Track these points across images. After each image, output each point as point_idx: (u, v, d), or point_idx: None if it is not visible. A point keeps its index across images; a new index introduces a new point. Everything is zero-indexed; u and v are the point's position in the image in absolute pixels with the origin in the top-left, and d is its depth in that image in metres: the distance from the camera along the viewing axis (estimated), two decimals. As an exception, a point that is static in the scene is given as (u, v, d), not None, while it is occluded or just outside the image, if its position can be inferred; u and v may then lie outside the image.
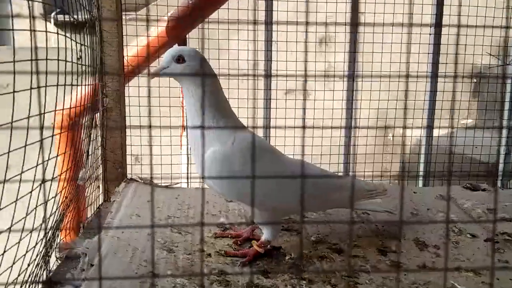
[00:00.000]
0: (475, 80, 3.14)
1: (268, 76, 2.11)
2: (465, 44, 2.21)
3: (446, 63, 2.25)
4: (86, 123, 1.60)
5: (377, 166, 2.40)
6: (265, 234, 1.40)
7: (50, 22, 3.90)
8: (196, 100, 1.27)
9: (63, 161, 1.41)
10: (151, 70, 1.33)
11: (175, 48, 1.31)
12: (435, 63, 2.15)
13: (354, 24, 2.08)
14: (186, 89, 1.29)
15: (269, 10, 2.04)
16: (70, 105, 1.61)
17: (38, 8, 3.89)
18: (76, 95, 1.75)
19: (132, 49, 1.94)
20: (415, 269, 1.37)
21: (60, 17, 3.85)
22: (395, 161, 2.62)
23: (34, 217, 1.03)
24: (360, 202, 1.50)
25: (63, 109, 1.72)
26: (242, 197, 1.35)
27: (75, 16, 1.37)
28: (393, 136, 3.23)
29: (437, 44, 2.15)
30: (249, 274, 1.29)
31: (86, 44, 1.38)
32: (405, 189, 2.02)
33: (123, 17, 1.76)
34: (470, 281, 1.32)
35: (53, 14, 3.91)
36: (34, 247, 1.03)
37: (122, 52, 1.75)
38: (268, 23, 1.98)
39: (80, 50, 1.23)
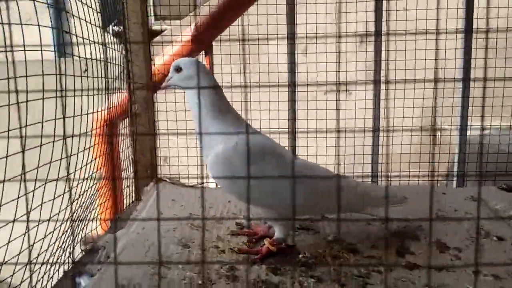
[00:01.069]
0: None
1: (293, 85, 2.13)
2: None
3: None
4: (121, 128, 1.74)
5: (421, 166, 2.33)
6: (276, 232, 1.43)
7: (109, 33, 4.18)
8: (196, 105, 1.35)
9: (100, 162, 1.55)
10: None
11: (176, 61, 1.42)
12: (466, 68, 2.06)
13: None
14: (187, 96, 1.38)
15: (292, 24, 2.07)
16: (108, 110, 1.77)
17: (97, 21, 4.19)
18: (112, 101, 1.90)
19: (161, 58, 2.06)
20: (432, 271, 1.34)
21: (117, 28, 4.11)
22: (441, 161, 2.52)
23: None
24: (374, 208, 1.46)
25: (100, 115, 1.88)
26: (247, 200, 1.38)
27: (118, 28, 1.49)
28: (440, 135, 3.10)
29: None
30: (258, 271, 1.33)
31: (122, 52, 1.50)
32: (434, 190, 1.96)
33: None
34: (489, 285, 1.26)
35: (111, 25, 4.19)
36: (60, 236, 1.15)
37: (149, 62, 1.87)
38: (291, 37, 2.01)
39: (86, 63, 1.35)
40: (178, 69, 1.38)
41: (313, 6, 2.08)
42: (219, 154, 1.32)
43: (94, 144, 1.66)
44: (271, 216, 1.43)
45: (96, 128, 2.21)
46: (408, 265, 1.38)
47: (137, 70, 1.82)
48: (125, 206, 1.78)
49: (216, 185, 1.93)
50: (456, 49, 2.13)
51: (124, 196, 1.78)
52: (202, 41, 2.03)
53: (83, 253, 1.32)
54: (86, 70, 1.29)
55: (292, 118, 2.14)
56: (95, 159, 1.74)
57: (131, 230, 1.47)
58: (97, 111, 1.86)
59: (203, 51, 2.12)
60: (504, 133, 2.20)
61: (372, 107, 2.24)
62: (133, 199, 1.87)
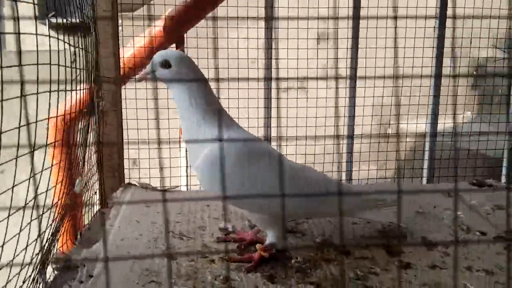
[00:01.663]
0: (475, 73, 3.11)
1: (268, 79, 2.06)
2: (462, 37, 2.18)
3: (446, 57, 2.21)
4: (82, 128, 1.55)
5: (379, 163, 2.37)
6: (269, 237, 1.36)
7: (45, 25, 3.84)
8: (186, 105, 1.24)
9: (59, 169, 1.36)
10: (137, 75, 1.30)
11: (160, 53, 1.27)
12: (440, 57, 2.10)
13: (356, 18, 2.04)
14: (174, 94, 1.27)
15: (269, 7, 1.99)
16: (65, 111, 1.57)
17: (31, 11, 3.83)
18: (71, 99, 1.70)
19: (129, 51, 1.89)
20: (426, 271, 1.33)
21: (55, 20, 3.78)
22: (397, 157, 2.58)
23: (29, 229, 0.98)
24: (363, 212, 1.43)
25: (57, 116, 1.67)
26: (236, 202, 1.32)
27: (71, 19, 1.32)
28: (397, 133, 3.19)
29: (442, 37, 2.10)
30: (254, 280, 1.25)
31: (80, 46, 1.33)
32: (410, 186, 1.98)
33: (119, 18, 1.70)
34: (483, 281, 1.28)
35: (48, 16, 3.84)
36: (30, 262, 0.98)
37: (118, 54, 1.70)
38: (269, 18, 1.93)
39: (75, 53, 1.17)
40: (166, 64, 1.24)
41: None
42: (208, 155, 1.22)
43: (53, 155, 1.48)
44: (263, 220, 1.35)
45: (56, 139, 2.00)
46: (402, 264, 1.37)
47: (104, 62, 1.64)
48: (92, 215, 1.59)
49: (193, 187, 1.81)
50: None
51: (90, 205, 1.60)
52: (174, 32, 1.89)
53: (56, 272, 1.15)
54: (75, 60, 1.12)
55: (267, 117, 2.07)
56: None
57: (108, 243, 1.31)
58: (54, 116, 1.67)
59: (175, 44, 1.98)
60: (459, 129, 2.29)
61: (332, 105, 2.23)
62: (99, 207, 1.69)
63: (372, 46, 2.14)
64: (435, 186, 2.04)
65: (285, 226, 1.45)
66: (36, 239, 0.93)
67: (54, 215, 1.11)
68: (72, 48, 1.24)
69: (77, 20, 1.41)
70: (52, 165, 1.23)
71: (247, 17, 1.85)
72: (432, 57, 2.09)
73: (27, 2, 0.98)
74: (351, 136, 2.21)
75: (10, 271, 0.91)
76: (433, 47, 2.17)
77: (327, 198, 1.34)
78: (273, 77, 2.09)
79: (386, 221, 1.46)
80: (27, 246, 0.96)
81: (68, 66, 1.18)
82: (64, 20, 1.36)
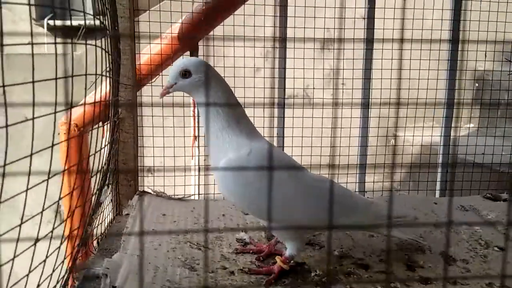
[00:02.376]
0: (477, 85, 3.11)
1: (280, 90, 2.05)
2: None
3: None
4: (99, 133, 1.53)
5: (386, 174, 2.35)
6: (289, 249, 1.34)
7: (43, 27, 3.83)
8: (212, 111, 1.23)
9: (72, 176, 1.34)
10: (160, 91, 1.31)
11: (179, 63, 1.26)
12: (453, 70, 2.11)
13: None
14: (198, 101, 1.28)
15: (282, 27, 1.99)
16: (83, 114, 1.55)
17: (28, 13, 3.82)
18: (84, 103, 1.69)
19: (144, 57, 1.88)
20: (446, 285, 1.32)
21: (55, 22, 3.77)
22: (404, 168, 2.58)
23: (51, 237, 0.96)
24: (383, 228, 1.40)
25: (69, 120, 1.66)
26: (258, 211, 1.30)
27: (77, 22, 1.30)
28: (402, 143, 3.19)
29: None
30: (275, 293, 1.23)
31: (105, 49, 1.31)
32: (426, 199, 1.97)
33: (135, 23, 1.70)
34: (505, 298, 1.27)
35: (46, 19, 3.83)
36: (53, 271, 0.96)
37: (135, 61, 1.69)
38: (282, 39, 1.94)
39: (108, 61, 1.16)
40: (186, 74, 1.23)
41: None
42: (230, 162, 1.21)
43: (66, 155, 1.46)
44: (283, 232, 1.33)
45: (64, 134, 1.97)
46: (422, 279, 1.36)
47: (122, 69, 1.63)
48: (101, 221, 1.55)
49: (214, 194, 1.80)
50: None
51: (106, 213, 1.57)
52: (189, 40, 1.88)
53: (77, 282, 1.13)
54: (111, 70, 1.11)
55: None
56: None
57: (129, 253, 1.29)
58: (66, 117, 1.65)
59: (189, 52, 1.97)
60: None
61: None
62: (115, 215, 1.67)
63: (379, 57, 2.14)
64: (450, 199, 2.03)
65: (304, 238, 1.43)
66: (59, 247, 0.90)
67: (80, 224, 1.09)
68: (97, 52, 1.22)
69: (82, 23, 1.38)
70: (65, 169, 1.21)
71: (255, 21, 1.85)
72: (447, 68, 2.10)
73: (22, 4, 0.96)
74: (363, 146, 2.20)
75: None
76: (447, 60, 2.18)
77: (348, 212, 1.32)
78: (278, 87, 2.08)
79: (404, 237, 1.43)
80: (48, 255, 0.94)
81: (103, 75, 1.17)
82: (68, 22, 1.33)
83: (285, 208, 1.26)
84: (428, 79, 2.16)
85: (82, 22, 1.35)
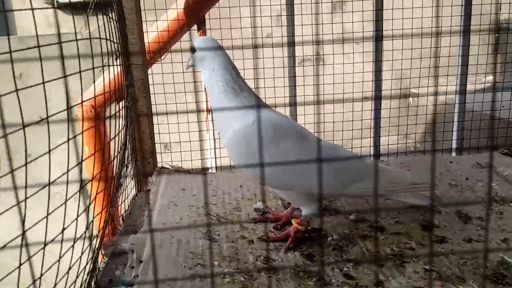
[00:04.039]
0: (496, 35, 3.00)
1: (291, 45, 2.02)
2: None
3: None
4: (116, 114, 1.57)
5: (402, 132, 2.34)
6: (303, 211, 1.37)
7: (53, 4, 3.83)
8: (211, 85, 1.30)
9: (93, 158, 1.39)
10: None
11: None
12: (468, 15, 2.03)
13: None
14: (202, 76, 1.33)
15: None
16: (95, 94, 1.58)
17: None
18: (99, 83, 1.72)
19: (152, 34, 1.88)
20: (462, 245, 1.34)
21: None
22: (420, 127, 2.55)
23: (76, 223, 1.02)
24: (397, 194, 1.39)
25: (92, 98, 1.69)
26: (267, 181, 1.33)
27: None
28: (417, 100, 3.14)
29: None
30: (294, 259, 1.28)
31: (113, 26, 1.32)
32: (441, 159, 1.97)
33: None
34: (520, 253, 1.29)
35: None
36: (82, 255, 1.02)
37: (143, 39, 1.70)
38: None
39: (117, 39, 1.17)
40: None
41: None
42: (236, 132, 1.25)
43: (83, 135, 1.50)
44: (295, 197, 1.37)
45: (82, 116, 2.02)
46: (438, 238, 1.39)
47: (131, 48, 1.64)
48: (124, 199, 1.62)
49: (231, 166, 1.84)
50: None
51: (128, 191, 1.64)
52: (195, 14, 1.87)
53: (106, 258, 1.21)
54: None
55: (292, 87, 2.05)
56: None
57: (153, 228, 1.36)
58: (82, 98, 1.68)
59: (196, 25, 1.96)
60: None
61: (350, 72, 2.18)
62: (136, 191, 1.74)
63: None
64: (466, 157, 2.02)
65: (319, 201, 1.46)
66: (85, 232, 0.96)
67: (101, 206, 1.15)
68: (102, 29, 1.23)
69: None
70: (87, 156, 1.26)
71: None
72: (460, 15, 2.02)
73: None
74: (378, 98, 2.17)
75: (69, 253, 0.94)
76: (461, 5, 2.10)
77: (360, 176, 1.34)
78: (293, 44, 2.06)
79: (419, 203, 1.42)
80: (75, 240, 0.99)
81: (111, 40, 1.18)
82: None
83: (294, 176, 1.29)
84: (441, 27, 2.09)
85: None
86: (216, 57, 1.29)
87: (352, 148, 2.21)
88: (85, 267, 1.04)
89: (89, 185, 1.29)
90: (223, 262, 1.23)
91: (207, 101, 2.05)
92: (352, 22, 2.16)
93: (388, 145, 2.28)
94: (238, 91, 1.29)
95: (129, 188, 1.66)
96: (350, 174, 1.31)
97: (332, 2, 2.51)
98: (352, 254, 1.32)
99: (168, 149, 1.92)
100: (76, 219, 0.99)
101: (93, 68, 1.06)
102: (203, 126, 2.01)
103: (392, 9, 2.09)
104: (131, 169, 1.62)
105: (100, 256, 1.19)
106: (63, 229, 0.93)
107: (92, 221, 1.10)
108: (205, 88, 2.05)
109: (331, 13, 2.03)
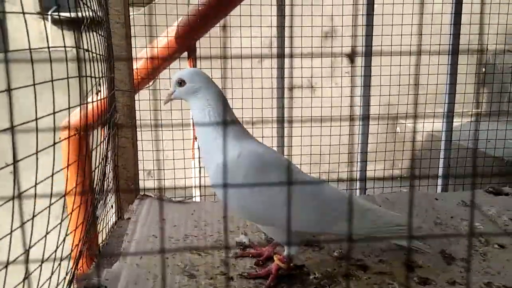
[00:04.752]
0: (483, 70, 3.06)
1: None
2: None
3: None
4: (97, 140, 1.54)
5: (389, 161, 2.34)
6: (286, 249, 1.35)
7: (48, 20, 3.83)
8: (202, 117, 1.29)
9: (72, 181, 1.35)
10: (162, 93, 1.43)
11: (177, 74, 1.37)
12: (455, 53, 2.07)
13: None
14: (192, 108, 1.33)
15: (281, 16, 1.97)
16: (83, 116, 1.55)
17: (34, 5, 3.83)
18: (87, 106, 1.69)
19: (141, 61, 1.88)
20: (445, 286, 1.32)
21: (59, 15, 3.75)
22: (405, 157, 2.55)
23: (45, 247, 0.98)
24: (385, 235, 1.38)
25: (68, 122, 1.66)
26: (249, 216, 1.35)
27: (78, 14, 1.29)
28: (404, 130, 3.16)
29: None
30: (274, 299, 1.25)
31: (99, 52, 1.31)
32: (426, 195, 1.97)
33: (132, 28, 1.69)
34: (504, 298, 1.27)
35: (50, 11, 3.83)
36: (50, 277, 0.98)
37: (132, 65, 1.69)
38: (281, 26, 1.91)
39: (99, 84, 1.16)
40: (181, 82, 1.31)
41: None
42: (219, 165, 1.23)
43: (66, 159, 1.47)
44: (278, 233, 1.35)
45: (66, 139, 1.99)
46: (421, 280, 1.36)
47: (118, 74, 1.63)
48: (102, 228, 1.57)
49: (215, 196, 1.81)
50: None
51: (107, 220, 1.60)
52: (186, 42, 1.87)
53: (78, 293, 1.16)
54: (99, 92, 1.11)
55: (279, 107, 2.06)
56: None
57: (128, 262, 1.31)
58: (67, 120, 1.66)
59: (186, 53, 1.97)
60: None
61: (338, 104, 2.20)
62: (116, 219, 1.69)
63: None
64: (451, 194, 2.02)
65: (302, 239, 1.44)
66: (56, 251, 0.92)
67: (78, 238, 1.11)
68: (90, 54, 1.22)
69: (82, 14, 1.37)
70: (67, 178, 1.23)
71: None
72: (448, 54, 2.06)
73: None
74: (365, 123, 2.17)
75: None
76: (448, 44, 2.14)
77: (343, 216, 1.31)
78: (284, 76, 2.07)
79: (403, 244, 1.40)
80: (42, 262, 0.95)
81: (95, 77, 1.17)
82: (67, 14, 1.32)
83: (276, 212, 1.27)
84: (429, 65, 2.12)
85: (86, 15, 1.35)
86: (210, 89, 1.31)
87: (338, 175, 2.19)
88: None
89: (68, 208, 1.25)
90: (200, 301, 1.19)
91: (194, 129, 2.04)
92: (341, 48, 2.18)
93: (374, 175, 2.28)
94: (228, 124, 1.30)
95: (109, 215, 1.61)
96: (335, 213, 1.29)
97: (322, 26, 2.55)
98: (334, 294, 1.29)
99: (152, 176, 1.89)
100: (45, 236, 0.96)
101: (80, 89, 1.04)
102: (188, 154, 1.99)
103: (382, 35, 2.11)
104: (111, 196, 1.58)
105: (72, 291, 1.14)
106: (29, 247, 0.89)
107: (63, 241, 1.06)
108: (192, 118, 2.05)
109: (321, 36, 2.06)
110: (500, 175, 2.12)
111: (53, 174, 0.94)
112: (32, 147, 0.88)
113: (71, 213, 1.09)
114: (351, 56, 2.12)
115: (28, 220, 0.78)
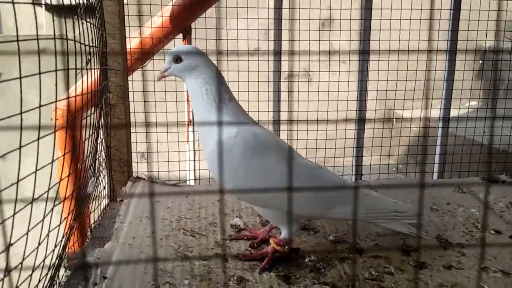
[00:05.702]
0: (480, 61, 3.05)
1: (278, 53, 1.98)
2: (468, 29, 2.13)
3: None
4: (91, 120, 1.50)
5: (385, 152, 2.33)
6: (283, 232, 1.33)
7: (41, 6, 3.76)
8: (199, 95, 1.26)
9: (64, 164, 1.32)
10: (156, 74, 1.36)
11: (173, 49, 1.33)
12: (454, 40, 2.05)
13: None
14: (189, 86, 1.29)
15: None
16: (75, 98, 1.52)
17: None
18: (77, 87, 1.65)
19: (135, 40, 1.83)
20: (441, 271, 1.31)
21: (53, 1, 3.69)
22: (402, 148, 2.53)
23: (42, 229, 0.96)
24: (380, 220, 1.35)
25: (68, 100, 1.62)
26: (244, 197, 1.32)
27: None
28: (401, 121, 3.15)
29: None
30: (269, 280, 1.23)
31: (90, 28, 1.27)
32: (424, 176, 1.95)
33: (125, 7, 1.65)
34: (500, 282, 1.26)
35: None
36: (43, 261, 0.95)
37: (125, 45, 1.65)
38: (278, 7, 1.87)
39: (89, 54, 1.13)
40: (178, 59, 1.27)
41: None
42: (218, 143, 1.20)
43: (55, 139, 1.43)
44: (275, 215, 1.32)
45: (56, 120, 1.95)
46: (417, 264, 1.35)
47: (111, 53, 1.59)
48: (95, 209, 1.54)
49: (209, 179, 1.79)
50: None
51: (99, 200, 1.56)
52: (181, 22, 1.83)
53: (69, 272, 1.13)
54: (89, 61, 1.08)
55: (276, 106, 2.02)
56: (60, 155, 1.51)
57: (120, 242, 1.28)
58: (57, 100, 1.61)
59: (182, 34, 1.92)
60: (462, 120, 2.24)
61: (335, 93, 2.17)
62: (108, 201, 1.66)
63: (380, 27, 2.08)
64: (448, 181, 2.01)
65: (299, 222, 1.41)
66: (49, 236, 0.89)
67: (68, 212, 1.08)
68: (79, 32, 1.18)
69: (76, 2, 1.34)
70: (63, 155, 1.19)
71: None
72: (447, 40, 2.04)
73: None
74: (361, 117, 2.15)
75: (20, 272, 0.88)
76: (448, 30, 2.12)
77: (341, 200, 1.29)
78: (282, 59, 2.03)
79: (403, 230, 1.37)
80: (39, 244, 0.93)
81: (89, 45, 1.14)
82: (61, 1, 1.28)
83: (273, 194, 1.25)
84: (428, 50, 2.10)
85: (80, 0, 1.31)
86: (209, 66, 1.27)
87: (334, 166, 2.17)
88: (46, 274, 0.97)
89: (60, 190, 1.22)
90: (194, 281, 1.17)
91: (189, 112, 2.00)
92: (340, 40, 2.15)
93: (370, 165, 2.26)
94: (226, 102, 1.27)
95: (101, 197, 1.58)
96: (332, 197, 1.27)
97: (320, 20, 2.51)
98: (329, 277, 1.27)
99: (145, 159, 1.85)
100: (42, 221, 0.93)
101: (67, 69, 1.01)
102: (183, 137, 1.95)
103: (380, 29, 2.09)
104: (103, 177, 1.55)
105: (62, 269, 1.12)
106: (28, 230, 0.87)
107: (59, 225, 1.04)
108: (187, 98, 2.02)
109: (319, 30, 2.02)
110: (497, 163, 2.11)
111: (53, 161, 0.91)
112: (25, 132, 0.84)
113: (65, 193, 1.06)
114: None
115: (28, 204, 0.76)
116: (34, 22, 0.94)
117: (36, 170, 0.89)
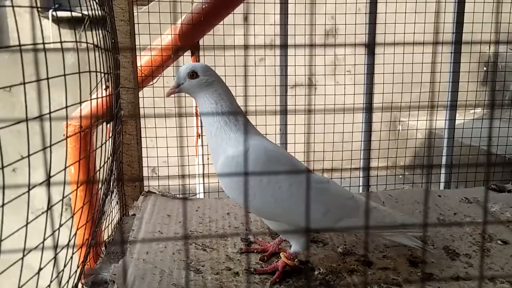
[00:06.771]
0: (484, 68, 3.07)
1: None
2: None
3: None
4: (102, 136, 1.54)
5: (392, 160, 2.35)
6: (293, 246, 1.36)
7: (48, 18, 3.83)
8: (212, 111, 1.30)
9: (77, 178, 1.36)
10: (166, 90, 1.40)
11: (188, 65, 1.36)
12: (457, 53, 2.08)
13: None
14: (202, 101, 1.32)
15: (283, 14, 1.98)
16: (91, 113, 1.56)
17: (34, 4, 3.82)
18: (89, 104, 1.70)
19: (144, 58, 1.88)
20: (449, 282, 1.33)
21: (59, 13, 3.75)
22: (407, 154, 2.55)
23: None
24: (388, 233, 1.38)
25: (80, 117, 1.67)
26: (255, 211, 1.34)
27: (80, 12, 1.29)
28: (407, 128, 3.17)
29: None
30: (280, 294, 1.25)
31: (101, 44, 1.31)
32: (429, 192, 1.97)
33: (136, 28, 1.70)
34: (507, 293, 1.28)
35: (51, 10, 3.83)
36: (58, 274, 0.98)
37: (136, 63, 1.69)
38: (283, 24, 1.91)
39: (108, 80, 1.17)
40: (194, 75, 1.30)
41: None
42: (229, 158, 1.24)
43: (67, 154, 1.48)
44: (285, 230, 1.35)
45: (69, 136, 1.99)
46: (424, 276, 1.37)
47: (122, 71, 1.63)
48: (108, 224, 1.58)
49: (218, 192, 1.82)
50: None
51: (112, 216, 1.60)
52: (190, 40, 1.88)
53: (86, 287, 1.16)
54: (108, 87, 1.12)
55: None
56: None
57: (135, 257, 1.32)
58: (70, 118, 1.67)
59: (190, 51, 1.97)
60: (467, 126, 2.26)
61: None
62: (120, 216, 1.70)
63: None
64: (454, 192, 2.03)
65: (308, 236, 1.44)
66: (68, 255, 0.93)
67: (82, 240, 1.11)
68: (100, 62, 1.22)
69: (86, 12, 1.38)
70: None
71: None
72: (451, 52, 2.07)
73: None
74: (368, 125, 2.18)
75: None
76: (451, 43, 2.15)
77: (349, 214, 1.32)
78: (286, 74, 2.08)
79: (410, 244, 1.39)
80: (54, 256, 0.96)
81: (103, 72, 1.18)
82: (69, 14, 1.32)
83: (284, 208, 1.28)
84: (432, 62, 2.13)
85: (86, 13, 1.35)
86: (222, 82, 1.32)
87: (341, 176, 2.20)
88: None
89: (74, 205, 1.26)
90: (207, 296, 1.20)
91: (197, 126, 2.04)
92: (345, 45, 2.19)
93: (377, 174, 2.28)
94: (238, 118, 1.30)
95: (114, 212, 1.62)
96: (340, 210, 1.30)
97: (325, 30, 2.56)
98: (339, 289, 1.30)
99: (155, 173, 1.89)
100: (58, 229, 0.96)
101: (80, 86, 1.05)
102: (192, 151, 1.99)
103: (385, 40, 2.13)
104: (116, 193, 1.59)
105: (80, 286, 1.15)
106: (44, 239, 0.90)
107: (74, 235, 1.07)
108: (196, 113, 2.06)
109: (324, 45, 2.07)
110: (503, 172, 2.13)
111: (65, 168, 0.94)
112: (35, 146, 0.87)
113: (82, 207, 1.10)
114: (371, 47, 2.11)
115: (43, 213, 0.79)
116: (45, 35, 0.95)
117: (46, 180, 0.90)
